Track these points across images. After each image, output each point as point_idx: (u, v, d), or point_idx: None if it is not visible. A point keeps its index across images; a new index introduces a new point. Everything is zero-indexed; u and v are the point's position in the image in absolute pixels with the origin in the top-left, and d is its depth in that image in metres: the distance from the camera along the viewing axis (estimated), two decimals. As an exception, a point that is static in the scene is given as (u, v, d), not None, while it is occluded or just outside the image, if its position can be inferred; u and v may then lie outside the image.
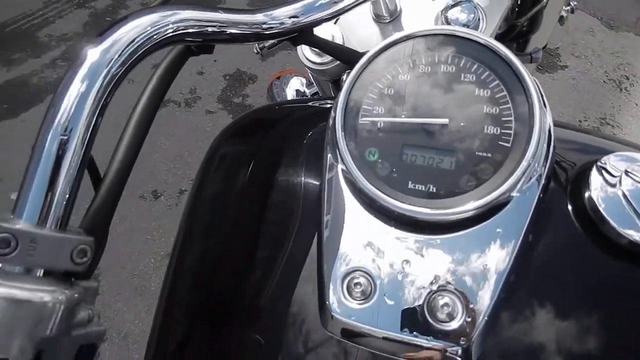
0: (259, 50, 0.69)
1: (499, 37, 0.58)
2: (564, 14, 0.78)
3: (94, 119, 0.31)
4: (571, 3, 0.79)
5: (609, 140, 0.42)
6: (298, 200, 0.43)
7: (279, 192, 0.45)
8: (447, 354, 0.30)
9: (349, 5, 0.43)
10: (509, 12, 0.54)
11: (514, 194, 0.32)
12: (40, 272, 0.30)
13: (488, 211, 0.32)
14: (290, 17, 0.41)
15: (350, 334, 0.33)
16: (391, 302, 0.32)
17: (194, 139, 2.09)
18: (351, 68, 0.41)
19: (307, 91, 0.90)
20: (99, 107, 0.31)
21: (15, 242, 0.28)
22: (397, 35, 0.37)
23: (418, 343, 0.31)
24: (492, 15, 0.48)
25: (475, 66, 0.35)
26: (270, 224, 0.44)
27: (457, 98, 0.35)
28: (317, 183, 0.42)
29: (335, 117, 0.36)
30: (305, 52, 0.54)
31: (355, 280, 0.33)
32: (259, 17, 0.39)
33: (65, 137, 0.30)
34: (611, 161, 0.35)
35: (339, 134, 0.36)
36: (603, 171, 0.34)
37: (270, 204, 0.45)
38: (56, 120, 0.30)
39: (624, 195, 0.33)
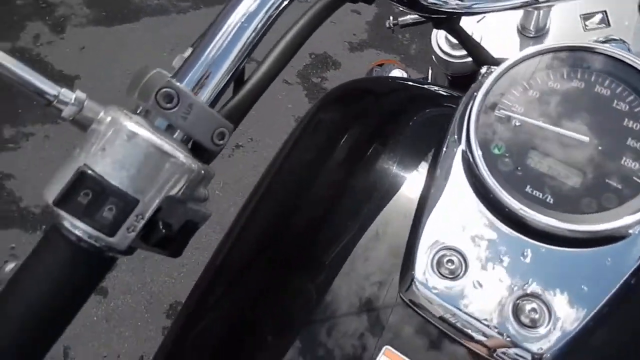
0: (391, 25, 0.69)
1: None
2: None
3: (269, 20, 0.33)
4: None
5: None
6: (393, 171, 0.43)
7: (376, 162, 0.45)
8: (516, 355, 0.30)
9: (510, 5, 0.43)
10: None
11: (634, 231, 0.32)
12: (180, 137, 0.31)
13: (602, 239, 0.32)
14: (457, 0, 0.41)
15: (424, 307, 0.33)
16: (477, 290, 0.32)
17: (262, 103, 2.12)
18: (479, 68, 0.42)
19: (409, 84, 0.90)
20: (276, 13, 0.34)
21: (177, 101, 0.30)
22: (560, 43, 0.37)
23: (491, 334, 0.31)
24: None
25: (632, 97, 0.34)
26: (358, 190, 0.44)
27: (604, 121, 0.34)
28: (419, 161, 0.43)
29: (473, 100, 0.37)
30: (440, 39, 0.55)
31: (447, 258, 0.33)
32: None
33: (244, 26, 0.32)
34: None
35: (473, 116, 0.36)
36: None
37: (365, 171, 0.45)
38: (240, 7, 0.32)
39: None
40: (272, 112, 2.01)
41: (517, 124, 0.36)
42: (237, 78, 0.38)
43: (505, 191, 0.33)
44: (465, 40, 0.49)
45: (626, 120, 0.34)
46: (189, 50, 0.45)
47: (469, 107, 0.37)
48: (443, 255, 0.33)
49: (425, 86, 0.56)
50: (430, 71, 0.75)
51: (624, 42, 0.47)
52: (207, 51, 0.33)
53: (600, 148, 0.34)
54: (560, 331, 0.30)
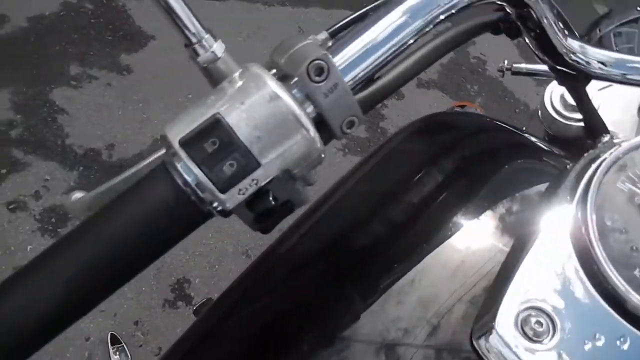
0: (504, 68, 0.68)
1: None
2: None
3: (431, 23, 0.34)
4: None
5: None
6: (472, 213, 0.41)
7: (457, 201, 0.44)
8: None
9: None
10: None
11: None
12: (313, 114, 0.30)
13: None
14: (599, 62, 0.40)
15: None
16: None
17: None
18: (591, 139, 0.40)
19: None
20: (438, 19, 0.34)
21: (326, 76, 0.29)
22: None
23: None
24: None
25: None
26: (432, 224, 0.43)
27: None
28: (507, 207, 0.41)
29: (598, 165, 0.35)
30: (555, 95, 0.53)
31: (535, 319, 0.31)
32: (576, 44, 0.39)
33: (407, 22, 0.32)
34: None
35: (595, 181, 0.34)
36: None
37: (442, 208, 0.44)
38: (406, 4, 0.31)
39: None
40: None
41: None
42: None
43: (614, 268, 0.31)
44: (584, 104, 0.47)
45: None
46: (324, 34, 0.44)
47: (592, 171, 0.35)
48: (530, 315, 0.31)
49: (525, 135, 0.54)
50: (528, 123, 0.73)
51: None
52: (364, 36, 0.32)
53: None
54: None
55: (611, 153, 0.35)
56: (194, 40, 0.31)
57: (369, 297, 0.40)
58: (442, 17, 0.35)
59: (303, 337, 0.39)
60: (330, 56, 0.30)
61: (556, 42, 0.39)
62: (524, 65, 0.65)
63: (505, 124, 0.56)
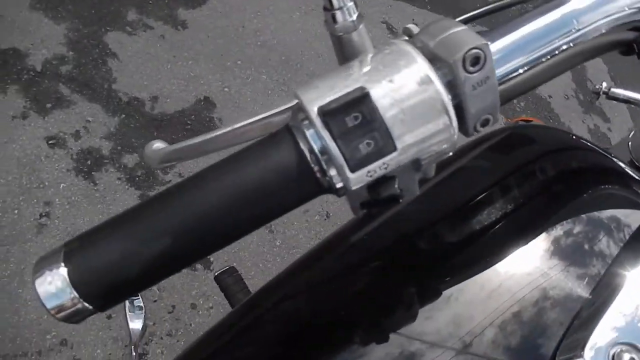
0: (601, 90, 0.64)
1: None
2: None
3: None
4: None
5: None
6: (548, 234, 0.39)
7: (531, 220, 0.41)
8: None
9: None
10: None
11: None
12: (453, 105, 0.27)
13: None
14: None
15: None
16: None
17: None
18: None
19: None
20: None
21: (481, 66, 0.26)
22: None
23: None
24: None
25: None
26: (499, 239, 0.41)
27: None
28: (587, 234, 0.39)
29: None
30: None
31: (629, 354, 0.29)
32: None
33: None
34: None
35: None
36: None
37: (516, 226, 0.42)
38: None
39: None
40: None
41: None
42: None
43: None
44: None
45: None
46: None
47: None
48: (622, 350, 0.29)
49: (614, 158, 0.50)
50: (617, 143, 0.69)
51: None
52: (525, 31, 0.29)
53: None
54: None
55: None
56: (336, 5, 0.28)
57: (418, 302, 0.38)
58: (603, 28, 0.32)
59: (343, 335, 0.38)
60: (487, 47, 0.27)
61: None
62: (621, 91, 0.61)
63: (592, 143, 0.53)
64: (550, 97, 2.90)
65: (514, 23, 0.31)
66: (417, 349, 0.35)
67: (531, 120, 0.95)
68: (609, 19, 0.33)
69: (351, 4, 0.29)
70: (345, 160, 0.25)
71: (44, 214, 1.52)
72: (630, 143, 0.56)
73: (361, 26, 0.30)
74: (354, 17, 0.29)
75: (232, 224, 0.28)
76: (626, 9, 0.33)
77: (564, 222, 0.42)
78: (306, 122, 0.26)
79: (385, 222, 0.45)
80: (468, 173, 0.49)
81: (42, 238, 1.48)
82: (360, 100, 0.25)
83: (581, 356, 0.30)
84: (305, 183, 0.28)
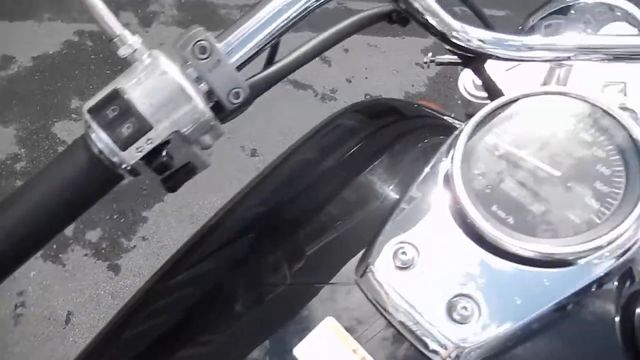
0: (429, 60, 0.73)
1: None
2: None
3: (307, 9, 0.39)
4: None
5: None
6: (381, 178, 0.47)
7: (374, 175, 0.50)
8: (439, 346, 0.33)
9: (525, 59, 0.46)
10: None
11: (580, 261, 0.33)
12: (204, 87, 0.36)
13: (547, 262, 0.34)
14: (478, 40, 0.45)
15: (374, 293, 0.36)
16: (422, 283, 0.35)
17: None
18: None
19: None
20: (316, 4, 0.40)
21: (209, 54, 0.35)
22: (555, 88, 0.40)
23: (423, 323, 0.33)
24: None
25: (611, 147, 0.37)
26: (352, 191, 0.49)
27: (579, 162, 0.37)
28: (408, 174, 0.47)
29: (467, 124, 0.40)
30: (467, 80, 0.59)
31: (403, 250, 0.36)
32: (457, 24, 0.44)
33: (284, 8, 0.38)
34: None
35: (462, 139, 0.39)
36: None
37: (361, 181, 0.50)
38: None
39: None
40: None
41: (501, 151, 0.39)
42: (269, 57, 0.43)
43: (473, 205, 0.36)
44: (487, 83, 0.52)
45: (599, 165, 0.36)
46: None
47: (465, 128, 0.40)
48: (400, 248, 0.36)
49: (446, 117, 0.59)
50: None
51: (634, 111, 0.50)
52: (247, 23, 0.38)
53: (569, 184, 0.36)
54: (485, 332, 0.32)
55: (479, 114, 0.41)
56: (114, 36, 0.37)
57: (307, 242, 0.46)
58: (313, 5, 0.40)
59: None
60: (211, 37, 0.36)
61: (439, 26, 0.44)
62: (446, 57, 0.70)
63: (435, 111, 0.62)
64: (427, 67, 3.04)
65: (243, 15, 0.40)
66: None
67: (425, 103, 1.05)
68: None
69: (126, 31, 0.37)
70: (114, 142, 0.34)
71: (19, 304, 1.57)
72: (459, 98, 0.65)
73: (140, 46, 0.38)
74: (131, 41, 0.37)
75: (52, 222, 0.36)
76: None
77: (392, 164, 0.50)
78: (89, 126, 0.35)
79: (244, 202, 0.54)
80: (315, 146, 0.57)
81: (21, 327, 1.53)
82: (113, 96, 0.34)
83: (368, 263, 0.37)
84: (102, 175, 0.36)
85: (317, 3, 0.40)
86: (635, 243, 0.35)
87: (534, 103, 0.40)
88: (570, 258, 0.34)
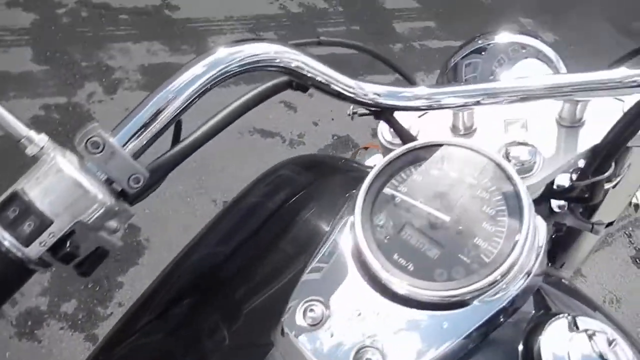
0: (351, 113, 0.78)
1: (558, 192, 0.62)
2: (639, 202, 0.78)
3: (196, 94, 0.42)
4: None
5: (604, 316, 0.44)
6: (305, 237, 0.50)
7: (301, 227, 0.52)
8: None
9: (422, 107, 0.50)
10: (573, 172, 0.58)
11: (475, 301, 0.36)
12: (103, 178, 0.39)
13: (446, 305, 0.36)
14: (374, 94, 0.49)
15: (290, 353, 0.38)
16: (330, 338, 0.36)
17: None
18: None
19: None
20: (203, 89, 0.42)
21: (102, 148, 0.38)
22: (442, 140, 0.44)
23: None
24: (549, 166, 0.52)
25: (493, 188, 0.40)
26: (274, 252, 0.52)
27: (467, 206, 0.39)
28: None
29: (367, 178, 0.43)
30: (384, 128, 0.62)
31: (312, 307, 0.38)
32: (351, 82, 0.48)
33: (173, 97, 0.40)
34: (581, 321, 0.37)
35: (363, 191, 0.42)
36: (570, 325, 0.37)
37: (287, 234, 0.52)
38: (174, 83, 0.41)
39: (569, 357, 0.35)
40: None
41: (399, 201, 0.41)
42: (174, 136, 0.46)
43: (375, 256, 0.38)
44: (399, 132, 0.56)
45: (485, 206, 0.39)
46: None
47: (365, 183, 0.43)
48: (310, 305, 0.38)
49: (367, 170, 0.63)
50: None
51: (534, 147, 0.54)
52: (139, 114, 0.41)
53: (459, 227, 0.39)
54: None
55: (380, 164, 0.44)
56: (20, 137, 0.39)
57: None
58: (201, 90, 0.42)
59: None
60: (102, 132, 0.38)
61: (337, 88, 0.48)
62: (360, 110, 0.74)
63: (356, 163, 0.65)
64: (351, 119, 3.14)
65: (136, 109, 0.41)
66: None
67: (368, 147, 1.10)
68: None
69: (31, 131, 0.39)
70: (17, 240, 0.36)
71: (-5, 389, 1.52)
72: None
73: (47, 143, 0.40)
74: (37, 139, 0.40)
75: None
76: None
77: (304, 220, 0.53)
78: None
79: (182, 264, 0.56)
80: (241, 210, 0.60)
81: (-2, 413, 1.48)
82: (12, 198, 0.36)
83: (282, 322, 0.38)
84: (15, 271, 0.38)
85: (204, 88, 0.42)
86: (528, 274, 0.38)
87: (425, 153, 0.44)
88: (466, 298, 0.36)
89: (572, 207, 0.70)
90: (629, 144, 0.50)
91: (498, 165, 0.40)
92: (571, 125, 0.53)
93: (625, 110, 0.48)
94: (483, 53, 0.79)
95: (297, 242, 0.51)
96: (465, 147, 0.42)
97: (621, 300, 2.17)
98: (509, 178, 0.39)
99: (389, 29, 3.61)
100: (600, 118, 0.52)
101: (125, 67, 2.65)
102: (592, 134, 0.52)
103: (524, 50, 0.79)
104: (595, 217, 0.71)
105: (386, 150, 0.63)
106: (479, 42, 0.80)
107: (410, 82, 0.79)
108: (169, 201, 2.09)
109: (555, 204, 0.71)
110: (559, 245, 0.95)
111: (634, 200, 0.79)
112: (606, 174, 0.53)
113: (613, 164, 0.52)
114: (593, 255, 2.35)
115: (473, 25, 3.82)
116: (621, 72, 0.46)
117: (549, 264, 0.99)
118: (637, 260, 2.37)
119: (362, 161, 1.05)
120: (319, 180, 0.62)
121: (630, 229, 2.49)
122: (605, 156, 0.50)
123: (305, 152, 2.43)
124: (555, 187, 0.61)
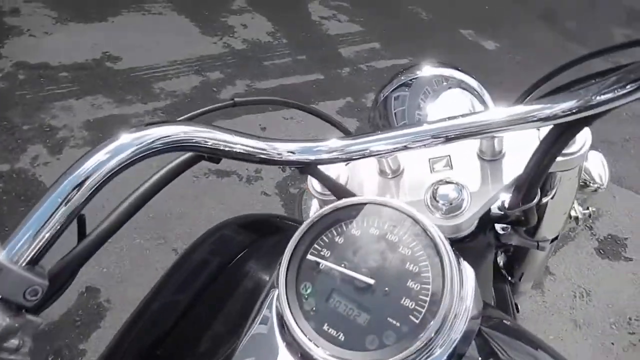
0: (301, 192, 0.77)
1: (495, 219, 0.62)
2: (579, 215, 0.80)
3: (97, 184, 0.38)
4: (589, 208, 0.81)
5: None
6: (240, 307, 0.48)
7: (243, 291, 0.51)
8: None
9: (341, 159, 0.49)
10: (502, 202, 0.58)
11: None
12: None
13: None
14: (288, 152, 0.47)
15: None
16: None
17: (241, 212, 2.21)
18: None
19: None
20: (104, 179, 0.39)
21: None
22: (359, 199, 0.43)
23: None
24: (478, 201, 0.52)
25: (414, 243, 0.39)
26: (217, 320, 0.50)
27: (391, 265, 0.38)
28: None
29: (288, 247, 0.41)
30: (313, 180, 0.61)
31: None
32: (263, 144, 0.46)
33: (68, 197, 0.38)
34: None
35: (285, 263, 0.40)
36: None
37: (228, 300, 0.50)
38: (71, 177, 0.38)
39: None
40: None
41: (323, 267, 0.40)
42: (79, 233, 0.43)
43: (301, 328, 0.37)
44: (326, 183, 0.55)
45: (408, 263, 0.38)
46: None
47: (286, 252, 0.41)
48: None
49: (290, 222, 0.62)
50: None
51: (462, 185, 0.53)
52: (34, 217, 0.37)
53: (386, 289, 0.38)
54: None
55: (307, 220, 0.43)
56: None
57: None
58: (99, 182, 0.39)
59: None
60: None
61: (250, 154, 0.46)
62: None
63: (289, 220, 0.65)
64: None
65: (25, 218, 0.38)
66: None
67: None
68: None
69: None
70: None
71: None
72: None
73: None
74: None
75: None
76: None
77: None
78: None
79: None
80: (183, 271, 0.59)
81: None
82: None
83: None
84: None
85: (105, 178, 0.39)
86: (464, 320, 0.37)
87: (344, 213, 0.43)
88: None
89: (515, 228, 0.70)
90: (551, 170, 0.50)
91: (414, 220, 0.40)
92: (492, 158, 0.53)
93: (541, 138, 0.48)
94: (409, 87, 0.80)
95: (234, 313, 0.49)
96: (381, 204, 0.42)
97: (591, 293, 2.21)
98: (426, 231, 0.39)
99: (335, 55, 3.68)
100: (519, 148, 0.53)
101: (70, 124, 2.59)
102: (514, 165, 0.53)
103: (447, 82, 0.80)
104: (539, 235, 0.72)
105: (319, 201, 0.62)
106: (402, 78, 0.82)
107: (340, 129, 0.79)
108: (127, 256, 2.02)
109: (499, 226, 0.72)
110: (515, 259, 0.96)
111: (573, 213, 0.80)
112: (534, 201, 0.53)
113: (539, 190, 0.53)
114: (559, 252, 2.41)
115: (416, 42, 3.94)
116: (533, 107, 0.44)
117: (509, 278, 0.99)
118: (601, 251, 2.44)
119: (308, 202, 1.04)
120: (257, 242, 0.61)
121: (590, 221, 2.57)
122: (529, 186, 0.50)
123: (262, 187, 2.41)
124: (491, 215, 0.61)
